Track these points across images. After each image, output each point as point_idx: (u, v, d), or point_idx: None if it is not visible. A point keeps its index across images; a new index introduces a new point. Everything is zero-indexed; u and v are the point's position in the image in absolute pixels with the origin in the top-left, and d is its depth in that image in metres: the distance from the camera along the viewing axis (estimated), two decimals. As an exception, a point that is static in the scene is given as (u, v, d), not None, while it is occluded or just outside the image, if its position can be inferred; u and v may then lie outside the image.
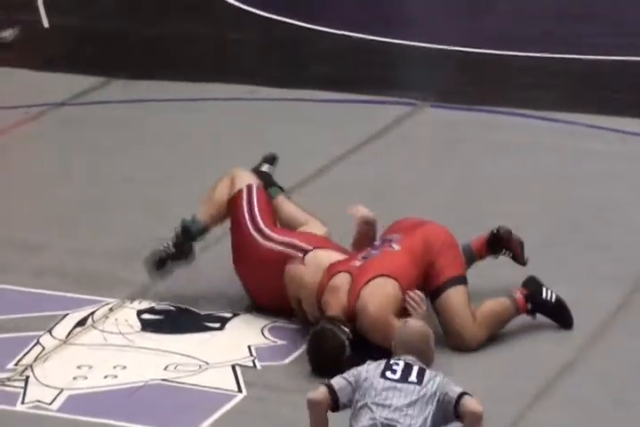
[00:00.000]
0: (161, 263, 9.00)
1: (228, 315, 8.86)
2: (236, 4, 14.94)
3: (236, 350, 8.48)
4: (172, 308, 8.99)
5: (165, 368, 8.29)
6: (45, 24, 14.16)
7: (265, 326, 8.76)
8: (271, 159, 9.69)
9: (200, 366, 8.33)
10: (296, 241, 8.89)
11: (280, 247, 8.88)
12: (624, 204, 10.64)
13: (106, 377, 8.18)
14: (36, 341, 8.45)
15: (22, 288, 9.11)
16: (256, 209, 9.01)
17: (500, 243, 9.33)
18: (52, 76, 13.03)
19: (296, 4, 15.04)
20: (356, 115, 12.28)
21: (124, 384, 8.12)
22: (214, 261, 9.51)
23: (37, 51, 13.95)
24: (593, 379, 8.38)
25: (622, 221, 10.35)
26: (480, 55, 13.42)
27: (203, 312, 8.90)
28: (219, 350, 8.50)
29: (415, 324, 7.87)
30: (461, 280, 8.88)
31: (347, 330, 8.40)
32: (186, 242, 9.09)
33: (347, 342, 8.38)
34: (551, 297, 9.00)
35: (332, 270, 8.67)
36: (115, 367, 8.29)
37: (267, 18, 14.45)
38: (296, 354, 8.42)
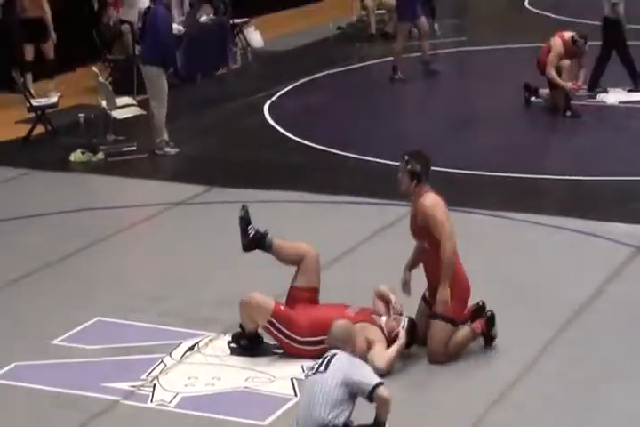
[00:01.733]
0: None
1: None
2: (288, 134, 15.07)
3: (294, 367, 8.40)
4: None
5: (246, 380, 8.32)
6: (173, 152, 14.22)
7: (312, 350, 8.55)
8: (244, 211, 8.92)
9: (269, 379, 8.32)
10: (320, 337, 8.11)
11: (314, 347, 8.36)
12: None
13: (207, 385, 8.25)
14: (160, 360, 8.51)
15: (151, 325, 9.06)
16: (285, 330, 8.47)
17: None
18: (173, 184, 13.02)
19: (332, 136, 15.01)
20: (369, 213, 11.89)
21: (219, 390, 8.18)
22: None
23: (164, 169, 14.10)
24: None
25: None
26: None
27: (271, 342, 8.72)
28: (282, 368, 8.45)
29: (339, 322, 7.52)
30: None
31: None
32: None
33: None
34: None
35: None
36: (212, 378, 8.35)
37: (309, 146, 14.45)
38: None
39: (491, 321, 8.62)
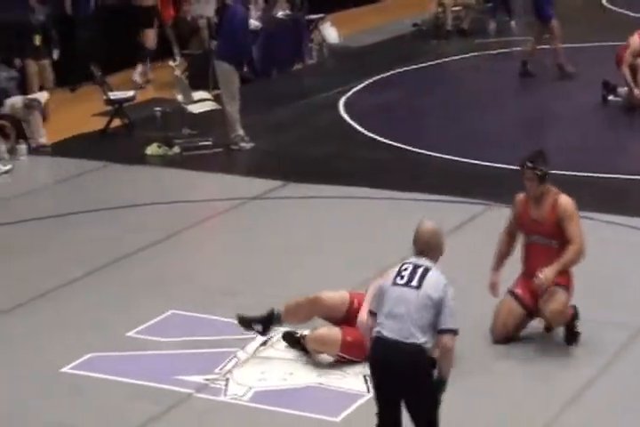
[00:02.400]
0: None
1: None
2: (364, 131, 15.01)
3: (365, 364, 7.77)
4: None
5: (319, 375, 8.33)
6: (248, 147, 14.29)
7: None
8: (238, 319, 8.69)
9: (342, 375, 8.32)
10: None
11: None
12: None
13: (280, 380, 8.27)
14: (234, 354, 8.53)
15: (224, 319, 9.01)
16: (355, 358, 8.38)
17: None
18: (249, 179, 13.05)
19: (406, 133, 15.01)
20: (445, 210, 11.68)
21: (292, 385, 8.21)
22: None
23: (239, 163, 14.16)
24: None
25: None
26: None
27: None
28: (353, 364, 8.39)
29: (426, 223, 6.89)
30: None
31: None
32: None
33: None
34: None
35: None
36: (285, 373, 8.37)
37: (384, 142, 14.44)
38: None
39: (576, 315, 8.69)
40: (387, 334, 6.60)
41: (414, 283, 6.61)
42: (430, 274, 6.67)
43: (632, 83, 15.15)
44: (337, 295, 8.60)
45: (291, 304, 8.61)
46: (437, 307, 6.56)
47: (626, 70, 15.09)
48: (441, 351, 6.60)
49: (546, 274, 8.42)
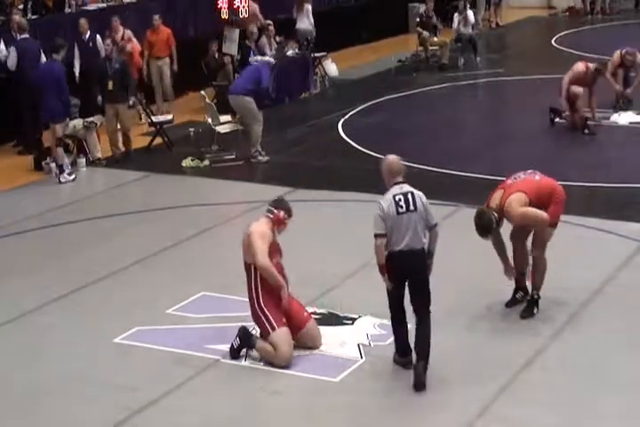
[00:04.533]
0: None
1: (356, 316, 8.79)
2: (358, 147, 14.99)
3: (360, 335, 8.44)
4: (325, 312, 8.85)
5: (321, 344, 8.28)
6: (264, 160, 14.28)
7: (375, 323, 8.62)
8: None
9: (340, 344, 8.31)
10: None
11: None
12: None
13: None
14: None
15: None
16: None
17: None
18: (265, 186, 12.88)
19: (394, 148, 14.96)
20: None
21: (299, 352, 8.11)
22: (352, 290, 9.65)
23: (258, 173, 13.98)
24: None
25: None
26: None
27: (342, 314, 8.79)
28: (350, 335, 8.45)
29: (389, 156, 7.84)
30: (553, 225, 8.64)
31: (495, 215, 8.52)
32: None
33: (494, 220, 8.50)
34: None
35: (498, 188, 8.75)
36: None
37: (375, 156, 14.34)
38: (391, 339, 8.12)
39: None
40: (405, 248, 7.52)
41: (412, 207, 7.53)
42: (415, 195, 7.60)
43: (570, 108, 15.17)
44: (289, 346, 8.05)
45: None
46: (425, 213, 7.61)
47: (564, 97, 15.10)
48: (433, 238, 7.68)
49: None
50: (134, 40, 16.67)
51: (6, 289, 9.80)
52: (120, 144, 14.56)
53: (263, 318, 8.00)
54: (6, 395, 7.74)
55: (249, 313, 8.18)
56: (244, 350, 8.16)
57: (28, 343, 8.57)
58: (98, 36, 15.96)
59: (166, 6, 18.80)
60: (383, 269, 7.67)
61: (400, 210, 7.49)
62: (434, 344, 7.74)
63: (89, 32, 15.99)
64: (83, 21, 16.03)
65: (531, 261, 8.84)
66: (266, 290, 8.02)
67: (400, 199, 7.51)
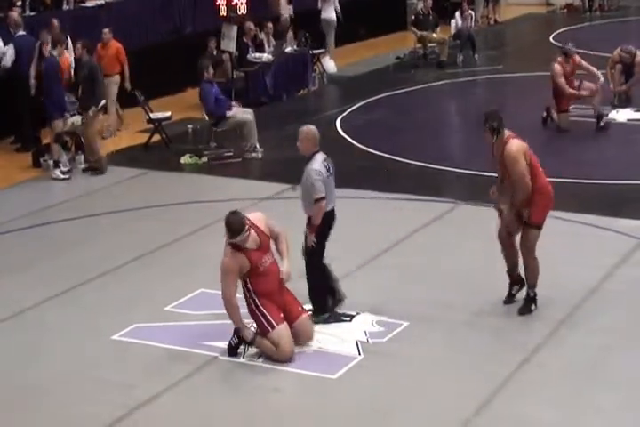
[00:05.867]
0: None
1: (354, 313, 8.77)
2: (356, 143, 14.95)
3: (358, 332, 8.43)
4: None
5: (319, 341, 8.28)
6: (259, 156, 14.28)
7: (373, 320, 8.63)
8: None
9: (338, 341, 8.28)
10: None
11: None
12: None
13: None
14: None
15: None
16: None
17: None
18: (262, 183, 12.97)
19: (391, 145, 14.97)
20: (420, 207, 11.65)
21: (298, 349, 8.11)
22: (351, 287, 9.67)
23: (255, 170, 14.03)
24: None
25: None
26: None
27: (340, 312, 8.75)
28: (348, 332, 8.43)
29: (307, 126, 8.62)
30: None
31: None
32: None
33: None
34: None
35: None
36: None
37: (372, 153, 14.39)
38: (390, 335, 8.33)
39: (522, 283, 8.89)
40: (332, 207, 8.52)
41: (332, 171, 8.53)
42: (330, 160, 8.50)
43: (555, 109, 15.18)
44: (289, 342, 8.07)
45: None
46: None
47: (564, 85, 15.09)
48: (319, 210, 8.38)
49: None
50: (69, 52, 14.78)
51: (4, 286, 9.80)
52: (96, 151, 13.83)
53: (261, 317, 8.01)
54: (4, 392, 7.73)
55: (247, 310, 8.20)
56: (242, 347, 8.14)
57: (26, 341, 8.57)
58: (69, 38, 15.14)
59: (165, 3, 18.77)
60: (315, 229, 8.33)
61: (328, 174, 8.38)
62: (431, 341, 7.68)
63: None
64: (55, 22, 15.03)
65: (521, 259, 8.80)
66: (260, 289, 8.01)
67: (327, 165, 8.41)
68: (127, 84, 15.60)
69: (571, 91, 15.09)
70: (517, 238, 8.79)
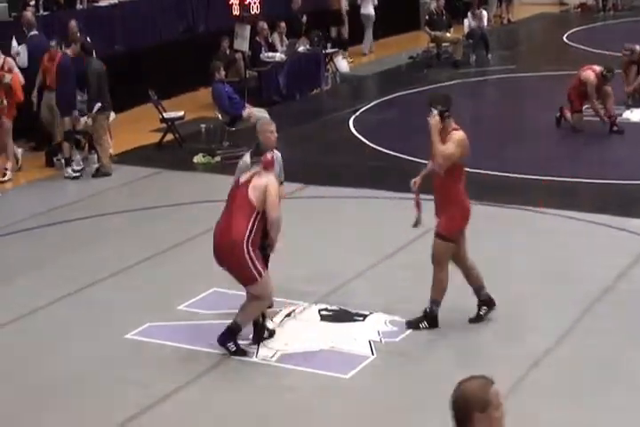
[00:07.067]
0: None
1: (367, 313, 8.79)
2: (369, 143, 14.93)
3: (371, 332, 8.43)
4: (336, 308, 8.87)
5: (332, 341, 8.29)
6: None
7: (387, 319, 8.64)
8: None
9: (351, 341, 8.27)
10: None
11: None
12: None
13: (301, 344, 8.27)
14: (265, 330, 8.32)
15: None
16: None
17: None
18: None
19: (404, 145, 14.98)
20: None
21: (311, 348, 8.20)
22: (364, 287, 9.66)
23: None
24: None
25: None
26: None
27: (353, 311, 8.80)
28: (362, 332, 8.43)
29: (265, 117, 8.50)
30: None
31: None
32: None
33: None
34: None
35: None
36: (305, 339, 8.36)
37: (385, 152, 14.41)
38: (403, 335, 8.33)
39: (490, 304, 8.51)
40: None
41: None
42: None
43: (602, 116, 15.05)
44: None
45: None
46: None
47: (596, 105, 14.96)
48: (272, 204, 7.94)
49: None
50: (16, 70, 13.86)
51: (17, 285, 9.83)
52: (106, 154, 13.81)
53: (250, 263, 7.82)
54: (18, 391, 7.75)
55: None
56: (255, 345, 8.18)
57: (40, 339, 8.59)
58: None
59: (178, 2, 18.80)
60: None
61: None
62: (443, 341, 7.67)
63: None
64: (72, 23, 14.95)
65: (480, 275, 8.56)
66: (254, 237, 7.87)
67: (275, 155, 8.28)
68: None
69: (596, 104, 14.98)
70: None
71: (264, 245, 8.08)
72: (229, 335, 8.06)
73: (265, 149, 8.26)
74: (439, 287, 8.32)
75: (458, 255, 8.33)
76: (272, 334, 8.39)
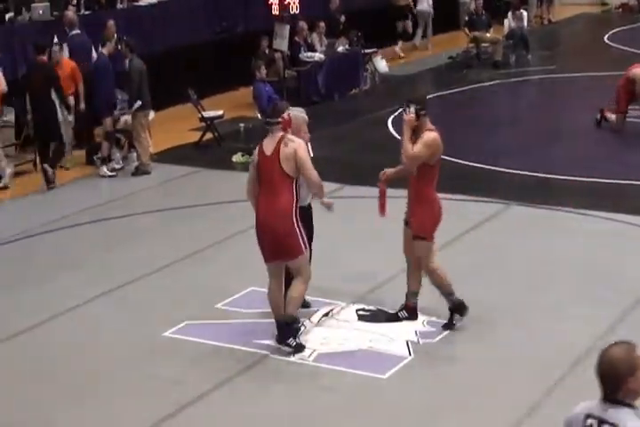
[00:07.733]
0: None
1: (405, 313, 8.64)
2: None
3: (409, 332, 8.40)
4: (373, 308, 8.82)
5: (370, 341, 8.28)
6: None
7: (424, 320, 8.59)
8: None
9: (388, 341, 8.26)
10: None
11: None
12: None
13: (338, 344, 8.26)
14: (301, 323, 8.36)
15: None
16: None
17: None
18: None
19: (449, 147, 14.94)
20: (471, 208, 11.59)
21: (348, 348, 8.19)
22: (401, 287, 9.64)
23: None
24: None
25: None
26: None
27: (391, 311, 8.70)
28: (399, 332, 8.40)
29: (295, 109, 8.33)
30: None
31: None
32: None
33: None
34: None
35: None
36: (343, 339, 8.34)
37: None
38: (441, 336, 8.31)
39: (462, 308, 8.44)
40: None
41: None
42: None
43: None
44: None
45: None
46: None
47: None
48: None
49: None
50: (1, 79, 13.27)
51: (55, 283, 9.89)
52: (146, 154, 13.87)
53: (298, 233, 7.85)
54: (56, 386, 7.80)
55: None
56: (292, 346, 8.15)
57: (79, 336, 8.63)
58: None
59: (218, 1, 18.86)
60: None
61: None
62: (481, 342, 7.63)
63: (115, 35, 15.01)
64: (110, 22, 15.01)
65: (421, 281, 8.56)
66: (297, 207, 7.91)
67: None
68: (82, 106, 14.17)
69: None
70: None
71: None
72: (288, 331, 8.06)
73: (281, 109, 8.12)
74: (443, 284, 8.36)
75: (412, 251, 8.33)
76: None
